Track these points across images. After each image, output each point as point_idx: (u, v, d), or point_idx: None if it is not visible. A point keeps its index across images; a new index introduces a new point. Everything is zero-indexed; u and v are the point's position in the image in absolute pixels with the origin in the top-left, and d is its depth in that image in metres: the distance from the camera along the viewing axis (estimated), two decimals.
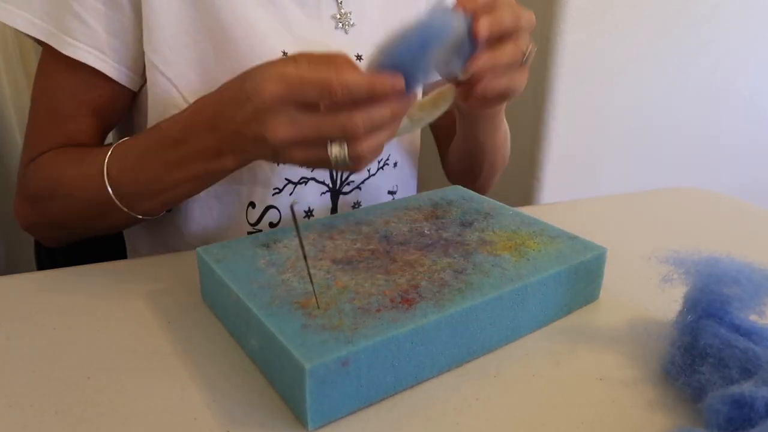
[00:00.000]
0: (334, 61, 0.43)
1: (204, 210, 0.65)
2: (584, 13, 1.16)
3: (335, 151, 0.44)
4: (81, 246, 0.76)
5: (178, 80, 0.59)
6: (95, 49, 0.56)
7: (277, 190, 0.65)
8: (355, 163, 0.45)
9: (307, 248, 0.48)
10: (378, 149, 0.45)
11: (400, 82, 0.43)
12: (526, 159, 1.27)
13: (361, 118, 0.42)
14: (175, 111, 0.58)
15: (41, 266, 0.77)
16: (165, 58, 0.58)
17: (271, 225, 0.65)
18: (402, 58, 0.43)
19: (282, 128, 0.43)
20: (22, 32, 0.55)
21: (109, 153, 0.54)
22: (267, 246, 0.48)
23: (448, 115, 0.76)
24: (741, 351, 0.37)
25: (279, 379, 0.38)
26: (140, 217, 0.55)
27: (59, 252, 0.77)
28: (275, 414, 0.37)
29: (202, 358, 0.42)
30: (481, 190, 0.76)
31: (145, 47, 0.58)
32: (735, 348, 0.38)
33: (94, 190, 0.54)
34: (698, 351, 0.39)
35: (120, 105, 0.62)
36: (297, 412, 0.37)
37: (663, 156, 1.38)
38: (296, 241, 0.49)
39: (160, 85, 0.59)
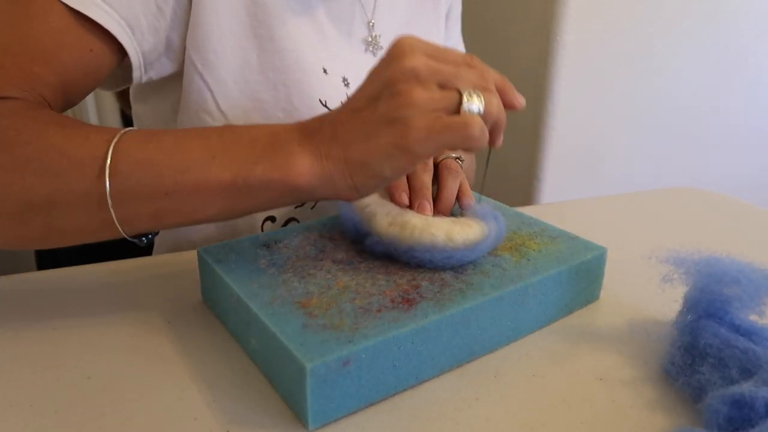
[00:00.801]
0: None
1: (213, 226, 0.64)
2: (584, 13, 1.16)
3: (471, 91, 0.38)
4: (81, 246, 0.76)
5: (215, 86, 0.58)
6: (125, 22, 0.49)
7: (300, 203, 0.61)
8: (489, 110, 0.39)
9: (307, 248, 0.48)
10: (500, 116, 0.41)
11: (522, 101, 0.43)
12: (526, 159, 1.27)
13: (491, 81, 0.40)
14: (206, 116, 0.58)
15: (41, 266, 0.77)
16: (206, 58, 0.56)
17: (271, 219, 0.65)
18: None
19: (417, 60, 0.37)
20: None
21: (128, 129, 0.41)
22: (267, 246, 0.48)
23: None
24: (741, 351, 0.37)
25: (279, 378, 0.38)
26: (115, 221, 0.39)
27: (60, 252, 0.77)
28: (275, 414, 0.37)
29: (202, 358, 0.42)
30: None
31: (188, 44, 0.56)
32: (735, 348, 0.38)
33: (77, 164, 0.38)
34: (698, 351, 0.39)
35: (101, 75, 0.50)
36: (297, 412, 0.37)
37: (663, 156, 1.38)
38: (296, 241, 0.49)
39: (194, 85, 0.57)
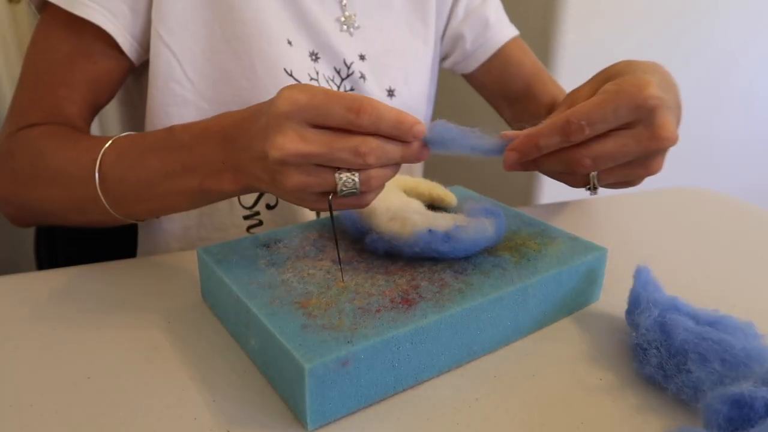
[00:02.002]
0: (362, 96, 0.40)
1: (209, 224, 0.65)
2: (584, 13, 1.16)
3: (345, 176, 0.39)
4: (81, 246, 0.76)
5: (181, 54, 0.59)
6: (107, 11, 0.55)
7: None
8: (363, 190, 0.40)
9: (307, 248, 0.48)
10: (381, 187, 0.42)
11: (423, 128, 0.40)
12: None
13: (376, 144, 0.39)
14: (175, 85, 0.59)
15: (41, 266, 0.77)
16: (171, 29, 0.58)
17: (269, 207, 0.65)
18: (442, 134, 0.42)
19: (287, 142, 0.38)
20: (23, 28, 0.55)
21: (109, 142, 0.50)
22: (267, 246, 0.48)
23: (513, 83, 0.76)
24: (715, 342, 0.37)
25: (279, 379, 0.38)
26: (120, 218, 0.52)
27: (59, 252, 0.77)
28: (275, 414, 0.37)
29: (202, 358, 0.42)
30: None
31: (153, 15, 0.57)
32: (709, 340, 0.38)
33: (80, 179, 0.50)
34: (676, 348, 0.39)
35: (116, 77, 0.61)
36: (297, 412, 0.37)
37: None
38: (296, 242, 0.49)
39: (162, 56, 0.59)
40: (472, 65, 0.80)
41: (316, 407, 0.35)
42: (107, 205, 0.50)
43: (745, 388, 0.33)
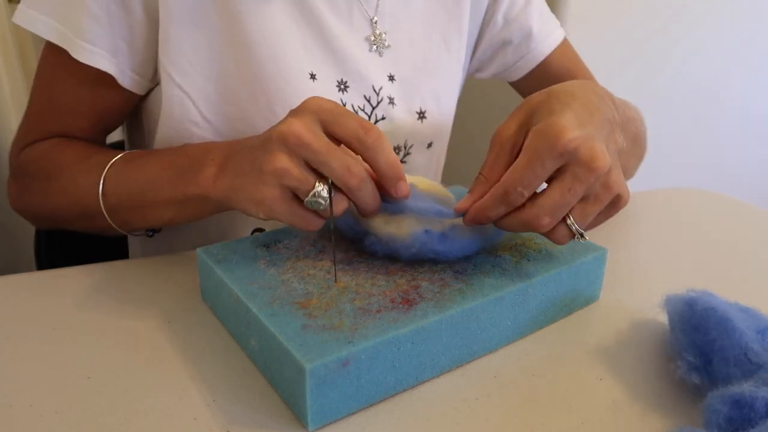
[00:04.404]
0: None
1: (203, 237, 0.64)
2: (584, 12, 1.16)
3: (322, 189, 0.41)
4: (81, 246, 0.76)
5: (196, 95, 0.57)
6: (107, 52, 0.55)
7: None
8: (326, 210, 0.42)
9: (307, 248, 0.48)
10: (342, 210, 0.43)
11: (407, 188, 0.43)
12: None
13: (365, 173, 0.41)
14: (192, 126, 0.58)
15: (41, 266, 0.77)
16: (183, 70, 0.56)
17: None
18: (414, 202, 0.44)
19: (299, 125, 0.40)
20: (23, 28, 0.54)
21: (117, 156, 0.54)
22: (267, 246, 0.48)
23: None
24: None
25: (279, 379, 0.38)
26: (117, 227, 0.55)
27: (59, 252, 0.77)
28: (275, 414, 0.37)
29: (202, 358, 0.42)
30: None
31: (162, 58, 0.56)
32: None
33: (86, 190, 0.53)
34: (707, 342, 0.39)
35: (122, 107, 0.61)
36: (297, 413, 0.37)
37: (663, 156, 1.37)
38: (296, 242, 0.49)
39: (175, 98, 0.57)
40: (513, 76, 0.77)
41: (317, 407, 0.35)
42: (107, 216, 0.53)
43: (745, 388, 0.33)
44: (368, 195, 0.42)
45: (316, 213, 0.43)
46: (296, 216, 0.42)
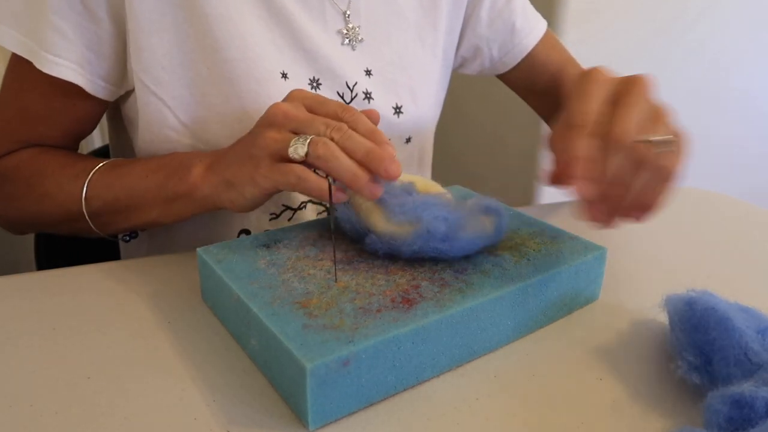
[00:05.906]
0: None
1: (192, 238, 0.64)
2: (584, 13, 1.16)
3: (299, 138, 0.45)
4: (81, 246, 0.76)
5: (172, 101, 0.57)
6: (74, 63, 0.54)
7: (274, 216, 0.63)
8: (310, 155, 0.45)
9: (307, 248, 0.48)
10: (328, 160, 0.44)
11: (396, 169, 0.44)
12: (526, 159, 1.27)
13: (347, 128, 0.45)
14: (170, 132, 0.59)
15: (41, 266, 0.77)
16: (156, 78, 0.56)
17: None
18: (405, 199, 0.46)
19: (286, 105, 0.47)
20: None
21: (103, 162, 0.56)
22: (267, 246, 0.48)
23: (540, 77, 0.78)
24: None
25: (279, 379, 0.38)
26: (98, 231, 0.57)
27: (59, 252, 0.77)
28: (275, 414, 0.37)
29: (202, 358, 0.42)
30: None
31: (134, 66, 0.55)
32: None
33: (72, 195, 0.55)
34: (708, 341, 0.38)
35: (93, 115, 0.62)
36: (298, 412, 0.37)
37: None
38: (296, 242, 0.49)
39: (152, 105, 0.57)
40: (499, 70, 0.78)
41: (318, 407, 0.35)
42: (87, 216, 0.56)
43: (745, 388, 0.33)
44: (359, 145, 0.44)
45: (310, 168, 0.45)
46: (290, 174, 0.45)
